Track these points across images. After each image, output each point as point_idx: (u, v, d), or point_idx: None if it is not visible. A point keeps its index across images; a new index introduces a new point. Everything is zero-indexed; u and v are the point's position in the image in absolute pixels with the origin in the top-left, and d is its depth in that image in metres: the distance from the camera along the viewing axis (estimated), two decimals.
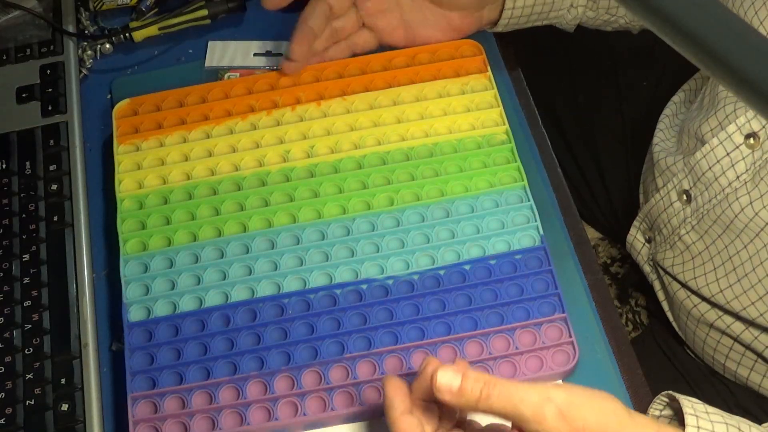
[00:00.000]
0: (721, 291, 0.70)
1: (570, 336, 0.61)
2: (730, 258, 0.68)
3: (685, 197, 0.73)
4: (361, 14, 0.76)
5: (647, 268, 0.81)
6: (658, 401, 0.59)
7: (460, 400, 0.49)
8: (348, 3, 0.75)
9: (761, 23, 0.65)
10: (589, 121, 0.96)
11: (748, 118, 0.66)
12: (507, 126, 0.71)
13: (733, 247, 0.68)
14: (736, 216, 0.67)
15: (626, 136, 0.94)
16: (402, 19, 0.76)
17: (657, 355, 0.84)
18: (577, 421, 0.48)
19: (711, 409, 0.54)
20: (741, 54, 0.29)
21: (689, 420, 0.52)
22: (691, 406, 0.53)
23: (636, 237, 0.82)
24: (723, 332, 0.73)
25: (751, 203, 0.66)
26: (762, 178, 0.65)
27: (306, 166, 0.70)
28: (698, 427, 0.52)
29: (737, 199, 0.67)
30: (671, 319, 0.80)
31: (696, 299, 0.74)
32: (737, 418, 0.54)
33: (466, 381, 0.48)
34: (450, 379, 0.48)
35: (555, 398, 0.48)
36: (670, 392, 0.56)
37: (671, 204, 0.74)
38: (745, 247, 0.67)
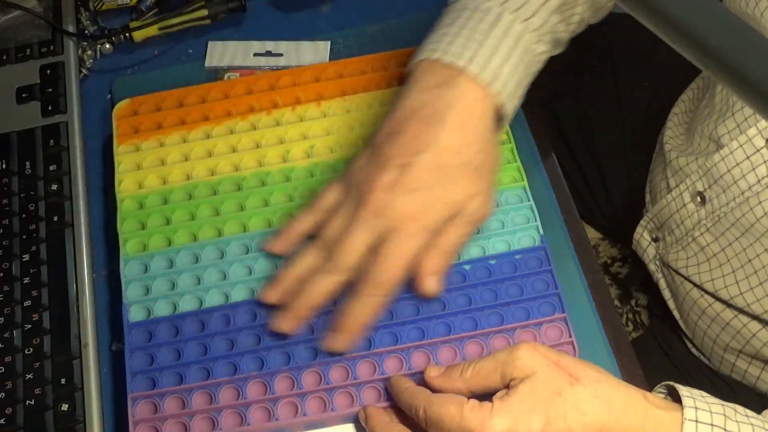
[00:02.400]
0: (742, 294, 0.69)
1: (570, 336, 0.61)
2: (750, 261, 0.68)
3: (699, 199, 0.72)
4: None
5: (653, 267, 0.81)
6: (656, 391, 0.59)
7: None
8: None
9: None
10: (589, 121, 0.96)
11: None
12: (507, 126, 0.71)
13: (753, 250, 0.68)
14: (757, 220, 0.66)
15: (626, 136, 0.94)
16: None
17: (657, 355, 0.84)
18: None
19: (707, 395, 0.54)
20: (741, 54, 0.29)
21: (687, 402, 0.53)
22: (687, 390, 0.54)
23: (642, 235, 0.82)
24: (738, 332, 0.72)
25: None
26: None
27: (306, 166, 0.70)
28: (695, 408, 0.52)
29: (760, 203, 0.66)
30: (678, 317, 0.80)
31: (710, 299, 0.74)
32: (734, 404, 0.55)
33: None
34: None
35: None
36: (667, 382, 0.57)
37: (684, 205, 0.74)
38: (765, 250, 0.66)
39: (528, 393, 0.52)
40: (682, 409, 0.53)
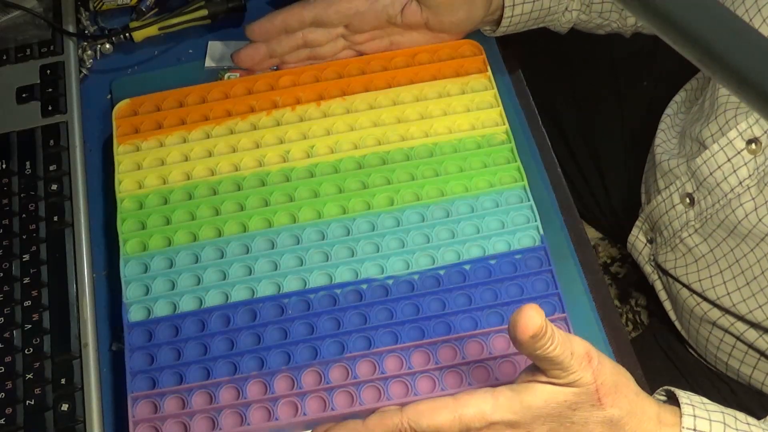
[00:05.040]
0: (728, 294, 0.70)
1: None
2: (737, 261, 0.68)
3: (688, 200, 0.72)
4: (348, 42, 0.76)
5: (648, 269, 0.81)
6: (656, 396, 0.59)
7: None
8: (336, 21, 0.73)
9: (764, 20, 0.65)
10: (589, 120, 0.96)
11: (749, 124, 0.66)
12: (507, 126, 0.71)
13: (739, 251, 0.68)
14: (740, 222, 0.67)
15: (626, 135, 0.94)
16: (391, 41, 0.76)
17: (657, 354, 0.84)
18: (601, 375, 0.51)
19: (708, 401, 0.54)
20: (741, 54, 0.29)
21: (686, 410, 0.53)
22: (687, 396, 0.54)
23: (638, 237, 0.82)
24: (726, 331, 0.73)
25: (755, 209, 0.66)
26: (766, 185, 0.65)
27: (306, 166, 0.70)
28: (694, 416, 0.52)
29: (741, 204, 0.67)
30: (674, 318, 0.80)
31: (699, 299, 0.74)
32: (735, 411, 0.55)
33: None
34: None
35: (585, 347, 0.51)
36: (668, 387, 0.57)
37: (673, 206, 0.74)
38: (752, 251, 0.67)
39: None
40: (681, 416, 0.53)
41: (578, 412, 0.52)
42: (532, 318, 0.48)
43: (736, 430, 0.53)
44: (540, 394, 0.52)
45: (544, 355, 0.49)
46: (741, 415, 0.54)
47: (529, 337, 0.48)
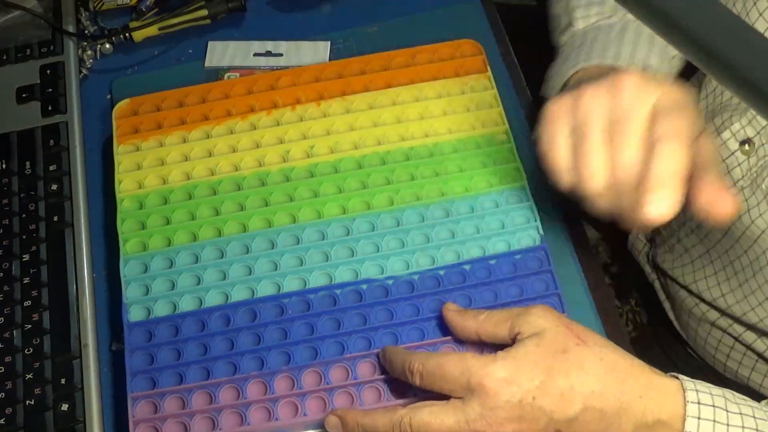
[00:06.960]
0: (723, 295, 0.70)
1: None
2: (731, 263, 0.68)
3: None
4: None
5: (648, 268, 0.81)
6: None
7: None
8: None
9: (760, 14, 0.64)
10: None
11: (742, 125, 0.66)
12: (507, 126, 0.71)
13: (733, 252, 0.68)
14: (734, 223, 0.67)
15: None
16: None
17: (657, 354, 0.84)
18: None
19: (705, 383, 0.55)
20: (741, 54, 0.29)
21: (687, 385, 0.53)
22: (687, 378, 0.54)
23: (637, 237, 0.82)
24: (724, 332, 0.73)
25: (748, 210, 0.66)
26: (759, 186, 0.65)
27: (306, 166, 0.70)
28: (697, 390, 0.53)
29: None
30: (672, 318, 0.80)
31: (697, 300, 0.74)
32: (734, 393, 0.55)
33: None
34: None
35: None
36: (673, 374, 0.57)
37: None
38: (745, 252, 0.67)
39: (533, 347, 0.53)
40: (684, 391, 0.53)
41: (569, 353, 0.52)
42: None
43: (735, 402, 0.53)
44: (525, 347, 0.53)
45: (478, 332, 0.56)
46: (737, 393, 0.55)
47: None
